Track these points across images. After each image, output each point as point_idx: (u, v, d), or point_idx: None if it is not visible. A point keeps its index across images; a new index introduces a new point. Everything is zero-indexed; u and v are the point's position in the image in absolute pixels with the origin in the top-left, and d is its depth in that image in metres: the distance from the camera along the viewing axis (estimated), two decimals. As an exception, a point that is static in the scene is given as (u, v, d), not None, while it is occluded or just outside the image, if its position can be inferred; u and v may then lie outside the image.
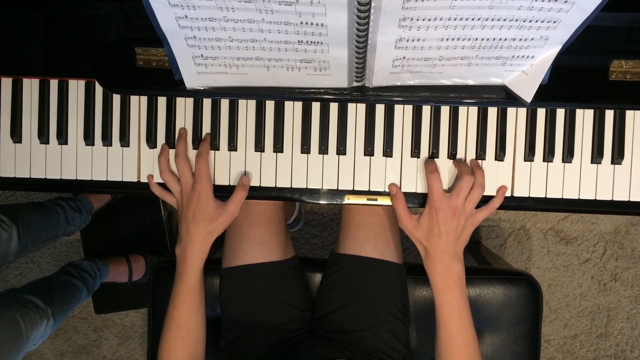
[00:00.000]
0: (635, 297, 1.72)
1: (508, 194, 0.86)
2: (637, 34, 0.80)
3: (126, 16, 0.83)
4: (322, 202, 0.88)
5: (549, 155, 0.85)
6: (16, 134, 0.88)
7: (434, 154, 0.86)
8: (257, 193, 0.87)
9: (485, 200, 0.84)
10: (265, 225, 0.99)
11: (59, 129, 0.88)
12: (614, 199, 0.86)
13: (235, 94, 0.83)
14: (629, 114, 0.85)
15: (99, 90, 0.88)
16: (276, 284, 1.00)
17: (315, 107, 0.86)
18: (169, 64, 0.77)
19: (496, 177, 0.86)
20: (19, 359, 1.10)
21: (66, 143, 0.88)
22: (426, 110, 0.86)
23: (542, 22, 0.67)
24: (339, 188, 0.87)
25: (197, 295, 0.86)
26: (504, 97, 0.80)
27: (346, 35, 0.68)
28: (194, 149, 0.87)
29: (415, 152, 0.86)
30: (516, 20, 0.67)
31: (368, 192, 0.87)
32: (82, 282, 1.41)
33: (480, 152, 0.86)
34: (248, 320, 0.99)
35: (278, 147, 0.87)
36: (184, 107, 0.87)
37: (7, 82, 0.88)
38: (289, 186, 0.87)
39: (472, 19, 0.66)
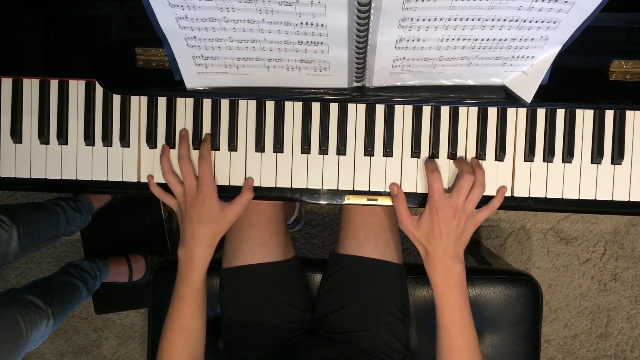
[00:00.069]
0: (635, 297, 1.72)
1: (508, 194, 0.86)
2: (637, 34, 0.80)
3: (126, 16, 0.83)
4: (322, 202, 0.88)
5: (549, 156, 0.85)
6: (16, 134, 0.88)
7: (434, 154, 0.86)
8: (257, 193, 0.87)
9: (486, 200, 0.84)
10: (265, 226, 0.99)
11: (59, 129, 0.88)
12: (614, 199, 0.86)
13: (236, 94, 0.83)
14: (629, 114, 0.85)
15: (99, 90, 0.88)
16: (276, 284, 1.00)
17: (315, 107, 0.86)
18: (169, 64, 0.77)
19: (496, 177, 0.86)
20: (19, 359, 1.10)
21: (66, 143, 0.88)
22: (426, 110, 0.86)
23: (542, 22, 0.67)
24: (339, 188, 0.87)
25: (200, 297, 0.86)
26: (504, 97, 0.80)
27: (346, 35, 0.68)
28: (194, 149, 0.87)
29: (416, 152, 0.86)
30: (516, 21, 0.67)
31: (368, 192, 0.87)
32: (82, 282, 1.41)
33: (480, 152, 0.86)
34: (248, 320, 0.99)
35: (278, 147, 0.87)
36: (184, 107, 0.87)
37: (7, 82, 0.88)
38: (289, 186, 0.87)
39: (472, 19, 0.66)
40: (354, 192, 0.87)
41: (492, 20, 0.67)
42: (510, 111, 0.86)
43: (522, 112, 0.86)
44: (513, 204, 0.86)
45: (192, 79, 0.79)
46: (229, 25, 0.68)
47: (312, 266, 1.10)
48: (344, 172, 0.87)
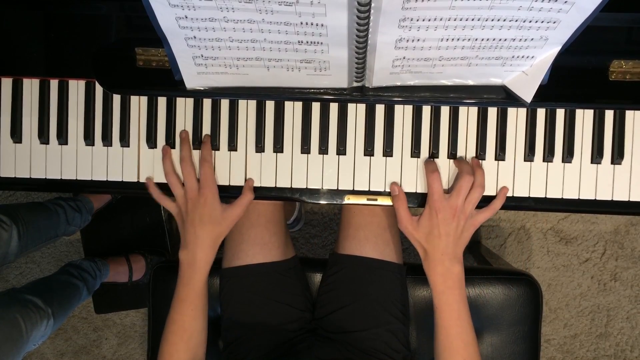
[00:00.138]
0: (635, 297, 1.72)
1: (508, 194, 0.85)
2: (637, 34, 0.80)
3: (126, 16, 0.83)
4: (322, 202, 0.88)
5: (549, 155, 0.86)
6: (16, 134, 0.88)
7: (434, 154, 0.86)
8: (257, 193, 0.87)
9: (487, 200, 0.84)
10: (265, 226, 0.99)
11: (59, 129, 0.88)
12: (614, 199, 0.86)
13: (235, 94, 0.83)
14: (629, 114, 0.85)
15: (99, 90, 0.88)
16: (276, 284, 1.00)
17: (315, 107, 0.86)
18: (169, 64, 0.77)
19: (496, 177, 0.86)
20: (19, 359, 1.10)
21: (66, 143, 0.88)
22: (426, 110, 0.86)
23: (542, 22, 0.67)
24: (339, 188, 0.87)
25: (202, 299, 0.86)
26: (504, 97, 0.80)
27: (346, 35, 0.68)
28: (193, 149, 0.87)
29: (416, 152, 0.86)
30: (516, 21, 0.67)
31: (368, 192, 0.87)
32: (82, 282, 1.41)
33: (480, 152, 0.86)
34: (248, 320, 0.99)
35: (278, 147, 0.87)
36: (184, 107, 0.87)
37: (7, 82, 0.88)
38: (289, 186, 0.87)
39: (472, 19, 0.66)
40: (354, 192, 0.87)
41: (492, 20, 0.67)
42: (510, 111, 0.86)
43: (522, 112, 0.86)
44: (513, 203, 0.86)
45: (192, 79, 0.79)
46: (229, 25, 0.68)
47: (312, 266, 1.10)
48: (344, 172, 0.87)
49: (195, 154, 0.87)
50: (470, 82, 0.79)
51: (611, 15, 0.77)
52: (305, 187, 0.87)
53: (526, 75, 0.77)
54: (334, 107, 0.86)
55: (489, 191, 0.85)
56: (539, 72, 0.75)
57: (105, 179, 0.88)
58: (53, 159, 0.88)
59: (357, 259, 1.00)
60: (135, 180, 0.88)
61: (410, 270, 1.08)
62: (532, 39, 0.70)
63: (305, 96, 0.82)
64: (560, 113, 0.86)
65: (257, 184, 0.87)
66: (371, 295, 0.98)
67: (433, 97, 0.81)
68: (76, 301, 1.37)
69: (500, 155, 0.86)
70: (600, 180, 0.86)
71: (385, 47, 0.70)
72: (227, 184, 0.87)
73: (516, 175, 0.86)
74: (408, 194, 0.86)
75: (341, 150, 0.87)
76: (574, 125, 0.86)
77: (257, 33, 0.69)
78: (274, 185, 0.87)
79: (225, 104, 0.87)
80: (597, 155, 0.85)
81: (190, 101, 0.87)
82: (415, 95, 0.81)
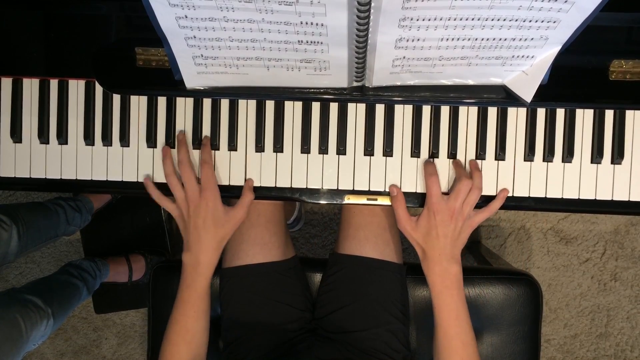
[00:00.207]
0: (635, 297, 1.72)
1: (508, 194, 0.85)
2: (637, 34, 0.80)
3: (126, 16, 0.83)
4: (322, 202, 0.88)
5: (548, 155, 0.86)
6: (16, 134, 0.88)
7: (434, 154, 0.86)
8: (257, 193, 0.87)
9: (486, 200, 0.84)
10: (265, 226, 0.99)
11: (59, 129, 0.88)
12: (614, 198, 0.86)
13: (235, 94, 0.83)
14: (629, 113, 0.85)
15: (99, 90, 0.88)
16: (276, 284, 1.00)
17: (315, 107, 0.86)
18: (169, 64, 0.77)
19: (496, 177, 0.86)
20: (19, 359, 1.10)
21: (66, 143, 0.88)
22: (426, 110, 0.86)
23: (542, 22, 0.67)
24: (339, 188, 0.87)
25: (205, 301, 0.85)
26: (504, 97, 0.80)
27: (346, 35, 0.68)
28: (193, 149, 0.87)
29: (415, 152, 0.86)
30: (516, 20, 0.67)
31: (368, 192, 0.87)
32: (82, 282, 1.41)
33: (480, 152, 0.86)
34: (248, 320, 0.99)
35: (278, 147, 0.87)
36: (184, 107, 0.87)
37: (7, 82, 0.88)
38: (289, 186, 0.87)
39: (472, 19, 0.66)
40: (353, 192, 0.87)
41: (492, 19, 0.67)
42: (510, 111, 0.86)
43: (522, 111, 0.86)
44: (513, 203, 0.86)
45: (192, 78, 0.79)
46: (228, 25, 0.68)
47: (312, 266, 1.10)
48: (343, 171, 0.87)
49: (195, 153, 0.87)
50: (470, 82, 0.79)
51: (611, 15, 0.77)
52: (305, 187, 0.87)
53: (526, 75, 0.77)
54: (334, 107, 0.86)
55: (489, 191, 0.85)
56: (539, 72, 0.75)
57: (105, 179, 0.88)
58: (53, 159, 0.88)
59: (357, 259, 1.00)
60: (135, 180, 0.88)
61: (410, 270, 1.08)
62: (532, 39, 0.70)
63: (305, 96, 0.82)
64: (560, 113, 0.86)
65: (257, 183, 0.87)
66: (371, 295, 0.99)
67: (433, 97, 0.81)
68: (76, 301, 1.37)
69: (500, 155, 0.86)
70: (600, 180, 0.86)
71: (385, 47, 0.70)
72: (227, 183, 0.87)
73: (516, 175, 0.86)
74: (408, 194, 0.86)
75: (341, 150, 0.87)
76: (574, 125, 0.86)
77: (257, 33, 0.69)
78: (274, 185, 0.87)
79: (225, 103, 0.87)
80: (597, 155, 0.85)
81: (190, 101, 0.87)
82: (415, 95, 0.81)
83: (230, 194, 0.86)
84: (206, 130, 0.87)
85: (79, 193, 1.56)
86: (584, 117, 0.85)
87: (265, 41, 0.71)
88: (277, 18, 0.66)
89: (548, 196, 0.86)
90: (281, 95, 0.82)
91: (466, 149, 0.86)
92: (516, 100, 0.79)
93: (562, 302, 1.73)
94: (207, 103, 0.87)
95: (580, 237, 1.71)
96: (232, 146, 0.87)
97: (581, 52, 0.79)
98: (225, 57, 0.74)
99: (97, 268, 1.50)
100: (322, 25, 0.66)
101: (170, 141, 0.87)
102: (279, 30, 0.68)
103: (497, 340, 1.09)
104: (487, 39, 0.70)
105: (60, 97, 0.88)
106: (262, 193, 0.87)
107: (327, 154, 0.87)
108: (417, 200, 0.86)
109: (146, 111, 0.87)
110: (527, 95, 0.77)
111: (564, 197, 0.86)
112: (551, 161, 0.86)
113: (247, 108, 0.87)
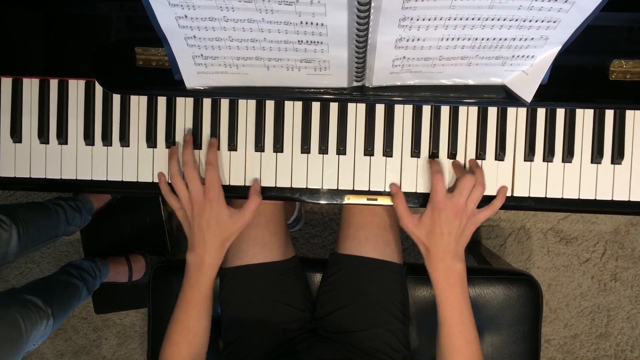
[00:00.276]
0: (635, 297, 1.72)
1: (508, 193, 0.86)
2: (637, 34, 0.80)
3: (126, 16, 0.83)
4: (322, 202, 0.88)
5: (549, 155, 0.85)
6: (16, 134, 0.88)
7: (434, 154, 0.86)
8: (257, 193, 0.87)
9: (486, 200, 0.84)
10: (266, 226, 0.99)
11: (59, 128, 0.88)
12: (614, 198, 0.86)
13: (235, 93, 0.83)
14: (629, 113, 0.85)
15: (99, 90, 0.88)
16: (276, 284, 1.00)
17: (315, 107, 0.86)
18: (169, 64, 0.77)
19: (496, 177, 0.86)
20: (19, 359, 1.10)
21: (66, 143, 0.88)
22: (426, 110, 0.86)
23: (542, 22, 0.67)
24: (339, 188, 0.87)
25: (208, 301, 0.86)
26: (504, 97, 0.80)
27: (346, 35, 0.68)
28: (194, 148, 0.87)
29: (416, 152, 0.86)
30: (516, 20, 0.67)
31: (368, 192, 0.87)
32: (82, 282, 1.41)
33: (480, 152, 0.86)
34: (248, 320, 0.99)
35: (278, 147, 0.87)
36: (184, 107, 0.87)
37: (7, 82, 0.88)
38: (289, 186, 0.87)
39: (472, 19, 0.66)
40: (354, 192, 0.87)
41: (492, 19, 0.67)
42: (510, 111, 0.86)
43: (522, 111, 0.86)
44: (513, 203, 0.86)
45: (192, 78, 0.79)
46: (228, 24, 0.68)
47: (312, 266, 1.10)
48: (343, 171, 0.87)
49: (196, 154, 0.86)
50: (470, 82, 0.79)
51: (611, 15, 0.77)
52: (305, 187, 0.87)
53: (526, 74, 0.77)
54: (334, 107, 0.86)
55: (489, 191, 0.85)
56: (539, 72, 0.75)
57: (105, 179, 0.88)
58: (53, 159, 0.88)
59: (357, 259, 1.00)
60: (135, 180, 0.88)
61: (410, 270, 1.08)
62: (532, 39, 0.70)
63: (305, 96, 0.82)
64: (560, 113, 0.86)
65: (257, 183, 0.87)
66: (371, 295, 0.98)
67: (433, 97, 0.81)
68: (76, 301, 1.37)
69: (500, 155, 0.86)
70: (601, 180, 0.86)
71: (385, 47, 0.70)
72: (227, 183, 0.87)
73: (516, 175, 0.86)
74: (408, 194, 0.86)
75: (341, 150, 0.87)
76: (574, 125, 0.86)
77: (257, 32, 0.69)
78: (274, 185, 0.87)
79: (225, 103, 0.87)
80: (597, 155, 0.85)
81: (190, 101, 0.87)
82: (415, 95, 0.81)
83: (231, 194, 0.86)
84: (206, 130, 0.87)
85: (79, 193, 1.56)
86: (584, 117, 0.85)
87: (265, 41, 0.71)
88: (277, 18, 0.66)
89: (548, 196, 0.86)
90: (281, 95, 0.82)
91: (466, 149, 0.86)
92: (516, 100, 0.79)
93: (562, 302, 1.73)
94: (207, 103, 0.87)
95: (580, 237, 1.71)
96: (232, 146, 0.87)
97: (581, 52, 0.79)
98: (225, 57, 0.74)
99: (97, 268, 1.50)
100: (322, 25, 0.66)
101: (170, 141, 0.87)
102: (279, 30, 0.68)
103: (497, 340, 1.09)
104: (487, 39, 0.70)
105: (60, 97, 0.88)
106: (262, 193, 0.87)
107: (327, 154, 0.87)
108: (418, 200, 0.86)
109: (146, 111, 0.87)
110: (527, 95, 0.77)
111: (564, 197, 0.86)
112: (551, 161, 0.86)
113: (247, 108, 0.87)
